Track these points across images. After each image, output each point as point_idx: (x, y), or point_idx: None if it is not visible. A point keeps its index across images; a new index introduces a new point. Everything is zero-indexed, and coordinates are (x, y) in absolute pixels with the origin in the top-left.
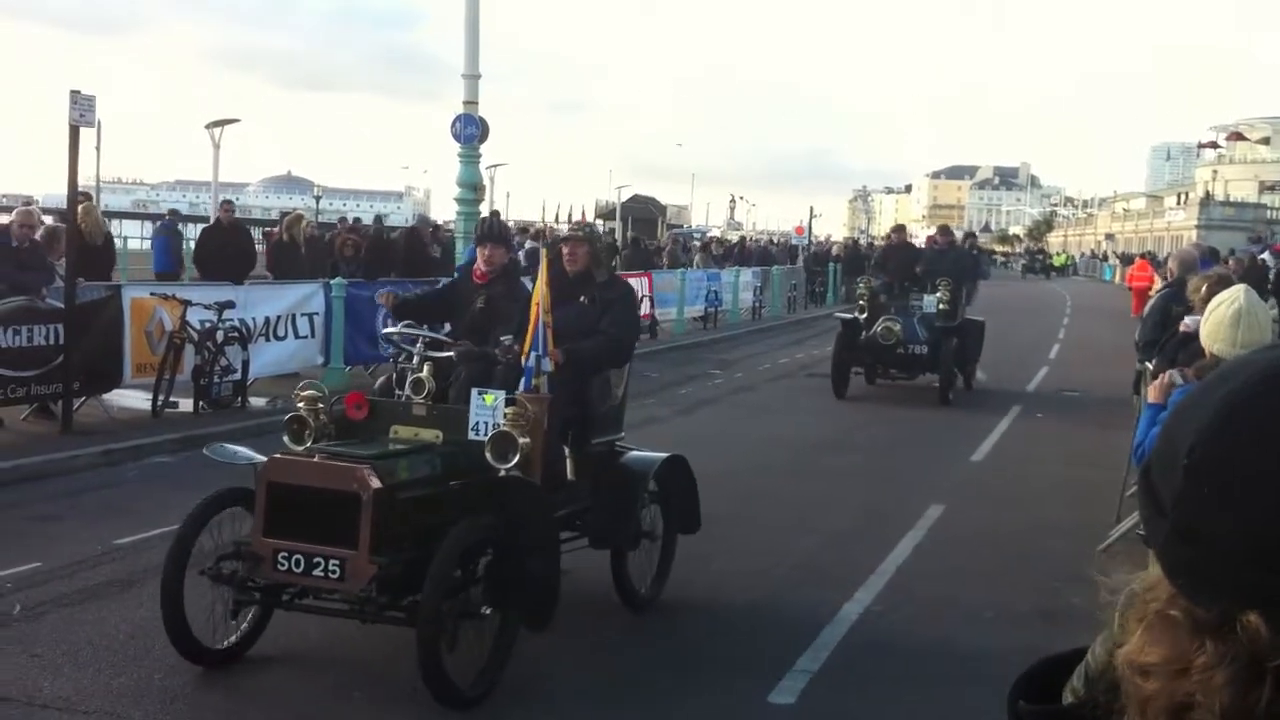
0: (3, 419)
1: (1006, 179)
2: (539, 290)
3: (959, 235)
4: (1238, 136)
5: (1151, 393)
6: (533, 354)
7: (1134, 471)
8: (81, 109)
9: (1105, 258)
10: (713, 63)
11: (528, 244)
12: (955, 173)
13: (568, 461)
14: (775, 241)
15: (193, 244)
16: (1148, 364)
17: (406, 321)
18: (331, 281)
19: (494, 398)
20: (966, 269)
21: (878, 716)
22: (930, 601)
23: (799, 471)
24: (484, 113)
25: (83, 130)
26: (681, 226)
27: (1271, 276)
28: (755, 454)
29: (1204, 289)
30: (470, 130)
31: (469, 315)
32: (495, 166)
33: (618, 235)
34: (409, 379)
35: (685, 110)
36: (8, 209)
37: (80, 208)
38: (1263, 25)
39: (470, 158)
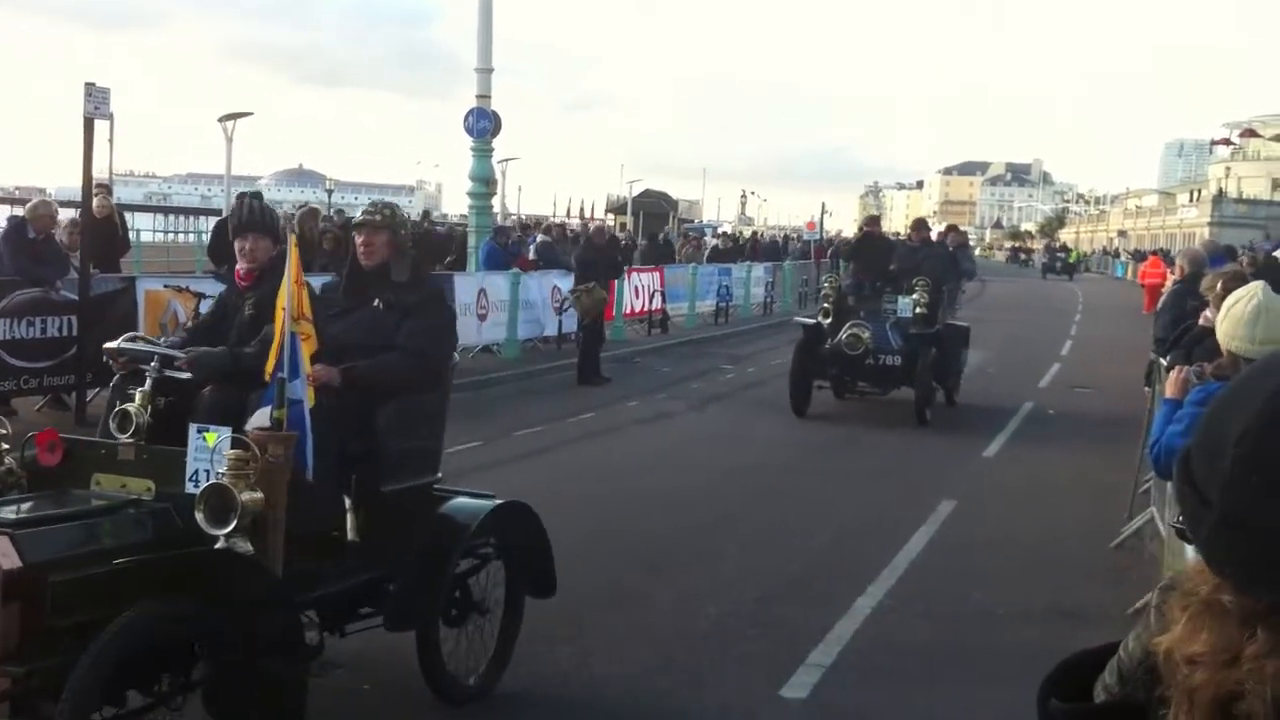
0: (17, 410)
1: (1019, 175)
2: (284, 290)
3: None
4: (1251, 133)
5: (1168, 388)
6: (277, 375)
7: (1146, 468)
8: (96, 101)
9: (1117, 254)
10: (722, 60)
11: (539, 238)
12: (967, 169)
13: (348, 516)
14: (790, 236)
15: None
16: (1161, 358)
17: (131, 333)
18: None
19: (216, 436)
20: (948, 267)
21: (890, 711)
22: (943, 597)
23: (811, 467)
24: (495, 108)
25: (97, 122)
26: (693, 221)
27: None
28: (766, 449)
29: (1218, 286)
30: (483, 124)
31: (235, 328)
32: (507, 161)
33: (630, 229)
34: (115, 410)
35: (694, 108)
36: (21, 201)
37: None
38: (1274, 22)
39: (483, 152)
